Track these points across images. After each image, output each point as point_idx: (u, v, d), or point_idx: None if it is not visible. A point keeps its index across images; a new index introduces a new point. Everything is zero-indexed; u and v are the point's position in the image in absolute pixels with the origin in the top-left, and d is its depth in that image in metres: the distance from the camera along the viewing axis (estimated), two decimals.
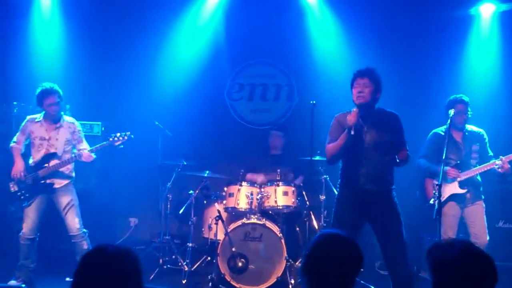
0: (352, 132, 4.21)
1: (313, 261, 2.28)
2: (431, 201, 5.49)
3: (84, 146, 5.49)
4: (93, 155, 5.38)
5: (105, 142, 5.43)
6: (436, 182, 4.77)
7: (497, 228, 6.18)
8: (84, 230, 5.41)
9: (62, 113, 5.52)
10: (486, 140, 5.58)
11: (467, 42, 7.01)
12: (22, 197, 5.29)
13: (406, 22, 6.97)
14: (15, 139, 5.47)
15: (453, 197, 5.40)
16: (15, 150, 5.41)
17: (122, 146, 5.46)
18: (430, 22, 6.93)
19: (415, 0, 6.97)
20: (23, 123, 5.49)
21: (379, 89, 4.35)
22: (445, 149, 4.73)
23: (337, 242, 2.30)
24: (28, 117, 5.52)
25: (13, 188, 5.31)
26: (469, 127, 5.59)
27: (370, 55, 6.80)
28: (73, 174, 5.49)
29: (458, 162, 5.46)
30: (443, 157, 4.70)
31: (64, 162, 5.34)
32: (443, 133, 5.56)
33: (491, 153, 5.54)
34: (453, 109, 5.12)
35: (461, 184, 5.43)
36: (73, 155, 5.41)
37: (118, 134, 5.43)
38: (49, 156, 5.34)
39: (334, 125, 4.50)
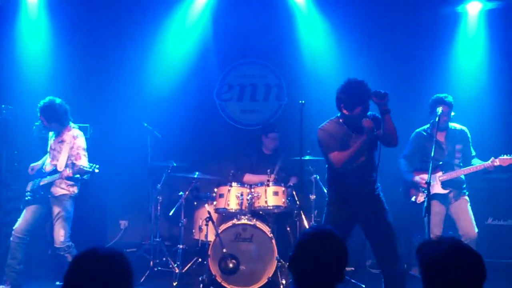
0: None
1: (298, 260, 2.29)
2: (413, 199, 5.55)
3: (80, 163, 5.25)
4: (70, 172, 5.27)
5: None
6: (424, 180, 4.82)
7: (486, 225, 6.23)
8: (69, 243, 5.27)
9: (69, 123, 5.47)
10: (469, 138, 5.60)
11: (454, 40, 7.05)
12: (26, 198, 5.39)
13: (393, 20, 7.00)
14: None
15: (435, 196, 5.42)
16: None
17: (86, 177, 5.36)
18: (417, 20, 6.96)
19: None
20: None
21: None
22: (433, 148, 4.77)
23: (320, 239, 2.31)
24: None
25: (28, 187, 5.43)
26: (452, 125, 5.60)
27: (358, 54, 6.85)
28: (72, 189, 5.35)
29: (441, 163, 5.48)
30: (432, 155, 4.74)
31: (61, 178, 5.28)
32: (425, 133, 5.60)
33: (473, 153, 5.57)
34: (441, 107, 5.14)
35: (444, 185, 5.46)
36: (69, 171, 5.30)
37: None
38: (53, 170, 5.33)
39: (325, 137, 4.43)
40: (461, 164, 5.51)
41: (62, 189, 5.32)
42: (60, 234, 5.24)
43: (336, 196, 4.53)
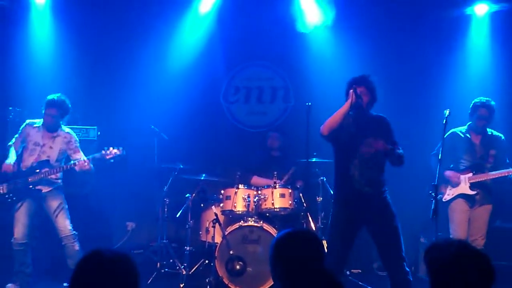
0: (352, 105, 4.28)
1: (275, 270, 2.29)
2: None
3: (79, 156, 5.45)
4: (89, 165, 5.32)
5: (97, 154, 5.40)
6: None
7: (494, 228, 6.17)
8: (75, 232, 5.41)
9: (61, 123, 5.52)
10: (505, 147, 5.51)
11: (463, 42, 7.00)
12: (9, 200, 5.28)
13: (401, 22, 6.96)
14: (13, 140, 5.53)
15: (462, 195, 5.38)
16: (10, 149, 5.46)
17: (112, 161, 5.43)
18: (425, 22, 6.92)
19: (411, 0, 6.98)
20: (22, 126, 5.53)
21: (375, 99, 4.44)
22: (440, 149, 4.74)
23: (288, 243, 2.31)
24: (28, 120, 5.57)
25: (2, 190, 5.29)
26: (490, 130, 5.52)
27: (365, 57, 6.80)
28: (60, 181, 5.50)
29: (464, 167, 5.40)
30: (439, 157, 4.70)
31: (54, 170, 5.35)
32: (461, 135, 5.50)
33: (508, 161, 5.49)
34: (448, 110, 5.05)
35: (472, 186, 5.37)
36: (71, 162, 5.39)
37: (112, 148, 5.41)
38: (42, 164, 5.34)
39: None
40: (493, 169, 5.40)
41: (55, 181, 5.41)
42: (67, 223, 5.37)
43: (340, 196, 4.53)
